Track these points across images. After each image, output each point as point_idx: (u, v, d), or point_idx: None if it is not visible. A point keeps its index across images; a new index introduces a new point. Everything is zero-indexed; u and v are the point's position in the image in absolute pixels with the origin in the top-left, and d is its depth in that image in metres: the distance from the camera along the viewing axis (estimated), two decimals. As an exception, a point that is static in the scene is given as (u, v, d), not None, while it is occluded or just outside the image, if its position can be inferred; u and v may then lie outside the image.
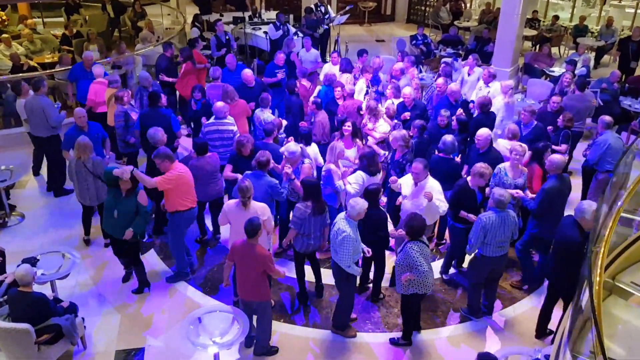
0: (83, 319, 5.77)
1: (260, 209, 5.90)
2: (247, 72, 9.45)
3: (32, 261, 5.97)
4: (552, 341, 5.98)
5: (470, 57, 10.75)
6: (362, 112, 8.41)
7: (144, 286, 6.78)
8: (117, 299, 6.65)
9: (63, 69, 10.51)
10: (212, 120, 7.91)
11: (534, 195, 6.63)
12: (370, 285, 6.76)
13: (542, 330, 6.20)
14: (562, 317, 5.81)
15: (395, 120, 8.36)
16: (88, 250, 7.46)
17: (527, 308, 6.66)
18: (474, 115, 8.52)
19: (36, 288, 5.48)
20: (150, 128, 7.18)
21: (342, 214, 5.79)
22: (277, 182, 6.51)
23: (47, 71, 11.05)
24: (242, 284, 5.56)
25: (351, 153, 7.47)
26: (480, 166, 6.29)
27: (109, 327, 6.22)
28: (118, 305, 6.54)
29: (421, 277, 5.49)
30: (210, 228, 7.81)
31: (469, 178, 6.45)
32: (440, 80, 9.29)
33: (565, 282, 5.66)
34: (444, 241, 7.57)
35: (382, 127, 8.13)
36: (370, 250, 5.91)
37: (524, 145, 6.94)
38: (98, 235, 7.60)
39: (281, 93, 9.99)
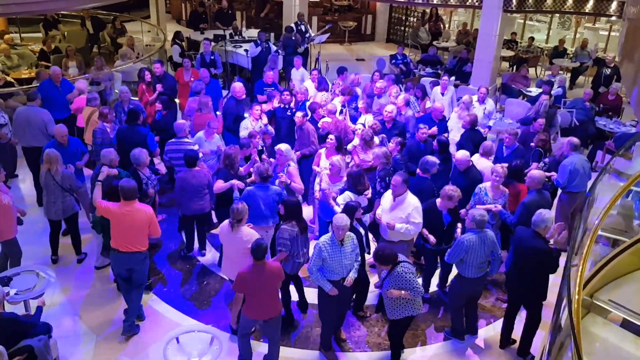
0: (56, 340, 5.62)
1: (250, 235, 5.73)
2: (237, 85, 9.30)
3: (5, 280, 5.84)
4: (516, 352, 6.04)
5: (444, 76, 10.91)
6: (356, 133, 8.30)
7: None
8: (92, 319, 6.50)
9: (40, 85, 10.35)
10: (173, 140, 7.91)
11: None
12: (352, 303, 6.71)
13: (506, 341, 6.30)
14: (524, 330, 6.02)
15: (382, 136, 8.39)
16: (62, 269, 7.29)
17: (506, 326, 6.69)
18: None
19: (9, 308, 5.33)
20: (133, 148, 7.12)
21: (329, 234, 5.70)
22: (281, 189, 6.65)
23: (24, 87, 10.88)
24: (260, 306, 5.35)
25: (325, 163, 7.51)
26: (449, 189, 6.26)
27: (85, 349, 6.07)
28: (93, 326, 6.40)
29: (417, 296, 5.50)
30: (196, 245, 7.76)
31: (438, 200, 6.45)
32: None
33: (531, 292, 5.80)
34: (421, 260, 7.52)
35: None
36: (351, 280, 5.77)
37: (504, 166, 6.97)
38: (71, 254, 7.48)
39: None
